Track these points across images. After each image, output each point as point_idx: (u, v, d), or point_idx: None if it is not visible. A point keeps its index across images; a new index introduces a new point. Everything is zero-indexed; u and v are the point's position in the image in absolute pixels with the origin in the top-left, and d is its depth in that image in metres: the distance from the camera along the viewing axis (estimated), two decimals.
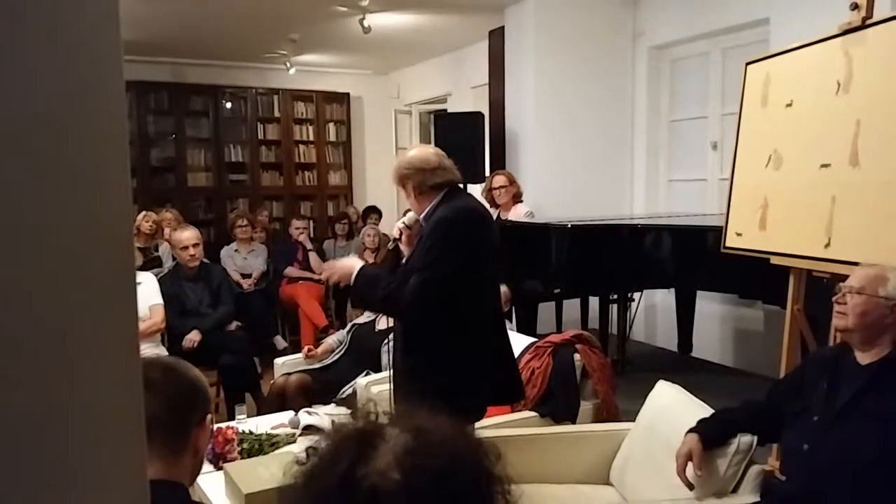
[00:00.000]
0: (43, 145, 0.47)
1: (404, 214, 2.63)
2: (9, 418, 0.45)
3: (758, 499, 2.04)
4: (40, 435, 0.47)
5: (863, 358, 1.97)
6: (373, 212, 7.00)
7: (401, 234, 2.48)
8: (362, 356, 3.61)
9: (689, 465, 2.05)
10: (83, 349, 0.50)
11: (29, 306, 0.47)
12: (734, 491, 2.08)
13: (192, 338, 3.92)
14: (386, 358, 3.56)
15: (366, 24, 5.52)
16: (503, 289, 3.61)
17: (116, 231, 0.52)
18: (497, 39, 5.85)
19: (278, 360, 3.96)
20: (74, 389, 0.49)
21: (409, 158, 2.36)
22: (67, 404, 0.49)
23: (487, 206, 4.98)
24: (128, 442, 0.53)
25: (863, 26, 2.61)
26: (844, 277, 2.11)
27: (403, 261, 2.46)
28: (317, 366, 3.75)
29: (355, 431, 0.71)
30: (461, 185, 2.44)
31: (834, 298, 2.05)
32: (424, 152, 2.39)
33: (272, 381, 3.67)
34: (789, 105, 2.96)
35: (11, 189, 0.45)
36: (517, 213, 4.79)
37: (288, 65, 7.10)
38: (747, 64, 3.29)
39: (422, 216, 2.35)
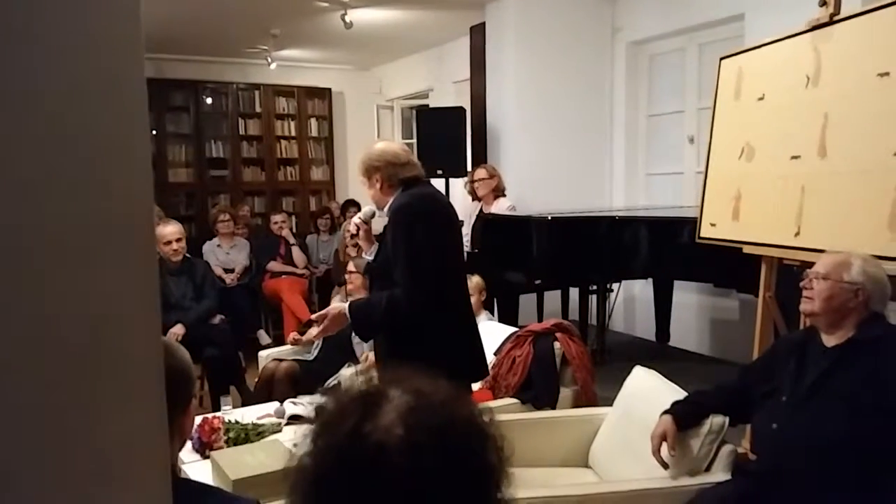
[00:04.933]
0: (65, 135, 0.50)
1: (352, 206, 2.68)
2: (33, 402, 0.48)
3: (729, 477, 2.12)
4: (66, 416, 0.50)
5: (828, 340, 2.05)
6: (352, 205, 6.99)
7: (358, 229, 2.50)
8: (338, 346, 3.62)
9: (664, 445, 2.13)
10: (112, 324, 0.53)
11: (56, 291, 0.49)
12: (707, 470, 2.16)
13: (176, 331, 3.94)
14: (358, 348, 3.60)
15: (347, 19, 5.54)
16: (476, 279, 3.68)
17: (138, 216, 0.55)
18: (478, 35, 5.89)
19: (262, 353, 3.98)
20: (99, 370, 0.52)
21: (379, 151, 2.40)
22: (93, 384, 0.52)
23: (469, 199, 5.05)
24: (151, 419, 0.57)
25: (830, 22, 2.70)
26: (813, 265, 2.19)
27: (371, 257, 2.51)
28: (301, 358, 3.78)
29: (360, 393, 0.77)
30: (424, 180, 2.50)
31: (801, 284, 2.13)
32: (393, 147, 2.45)
33: (263, 367, 3.71)
34: (761, 98, 3.05)
35: (44, 179, 0.48)
36: (499, 208, 4.85)
37: (269, 60, 7.09)
38: (721, 59, 3.37)
39: (385, 209, 2.41)
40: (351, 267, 3.84)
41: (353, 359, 3.63)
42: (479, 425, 0.77)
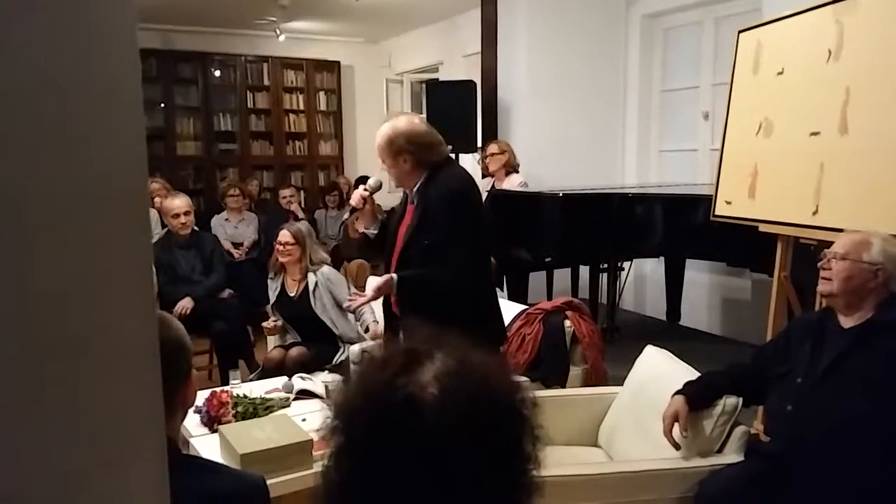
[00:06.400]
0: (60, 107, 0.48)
1: (363, 182, 2.66)
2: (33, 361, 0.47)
3: (742, 458, 2.10)
4: (62, 380, 0.49)
5: (846, 322, 2.02)
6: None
7: (364, 202, 2.46)
8: (306, 325, 3.52)
9: (676, 425, 2.10)
10: (105, 297, 0.51)
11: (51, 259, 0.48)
12: (719, 451, 2.13)
13: (185, 304, 3.93)
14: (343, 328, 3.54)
15: None
16: None
17: (131, 181, 0.53)
18: (490, 7, 5.78)
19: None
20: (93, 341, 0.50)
21: (407, 133, 2.31)
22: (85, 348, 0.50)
23: (481, 174, 5.00)
24: (144, 386, 0.54)
25: None
26: (831, 244, 2.14)
27: (375, 231, 2.48)
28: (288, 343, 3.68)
29: (407, 349, 0.79)
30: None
31: (819, 264, 2.09)
32: (419, 126, 2.36)
33: (266, 356, 3.61)
34: (780, 73, 2.97)
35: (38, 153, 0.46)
36: (511, 184, 4.79)
37: (278, 32, 7.00)
38: (739, 32, 3.29)
39: (414, 189, 2.36)
40: (287, 238, 3.46)
41: (332, 336, 3.55)
42: (515, 407, 0.77)
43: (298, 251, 3.47)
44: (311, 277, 3.48)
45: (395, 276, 2.33)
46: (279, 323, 3.57)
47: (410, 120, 2.40)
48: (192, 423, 2.60)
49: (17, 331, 0.46)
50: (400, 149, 2.31)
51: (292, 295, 3.55)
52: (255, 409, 2.68)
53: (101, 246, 0.51)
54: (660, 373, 2.43)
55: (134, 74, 0.53)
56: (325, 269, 3.51)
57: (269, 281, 3.69)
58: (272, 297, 3.65)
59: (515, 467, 0.75)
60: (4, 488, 0.46)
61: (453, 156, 5.17)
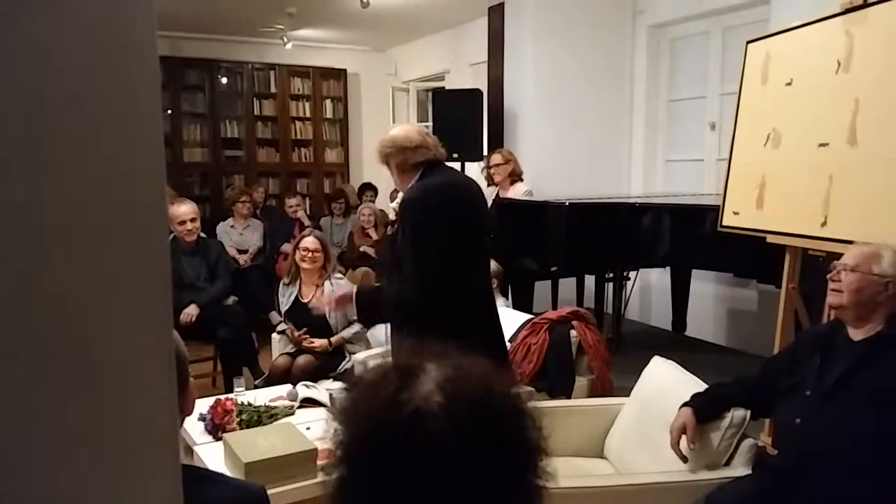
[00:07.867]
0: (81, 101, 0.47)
1: (392, 196, 2.68)
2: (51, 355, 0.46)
3: (750, 472, 2.08)
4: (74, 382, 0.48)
5: (855, 334, 2.00)
6: (368, 189, 6.99)
7: (396, 215, 2.51)
8: (316, 334, 3.54)
9: (683, 438, 2.08)
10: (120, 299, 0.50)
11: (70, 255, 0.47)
12: (727, 464, 2.12)
13: (190, 312, 3.93)
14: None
15: None
16: (493, 265, 3.62)
17: (149, 184, 0.53)
18: (497, 16, 5.80)
19: (275, 336, 3.95)
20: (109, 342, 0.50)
21: (391, 137, 2.37)
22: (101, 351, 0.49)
23: (486, 184, 5.00)
24: (158, 385, 0.54)
25: (864, 5, 2.61)
26: (840, 256, 2.12)
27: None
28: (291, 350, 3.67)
29: (397, 365, 0.77)
30: (444, 162, 2.44)
31: (829, 276, 2.07)
32: (407, 131, 2.40)
33: (273, 363, 3.59)
34: (789, 84, 2.97)
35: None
36: (516, 192, 4.78)
37: (285, 39, 7.03)
38: (748, 42, 3.28)
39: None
40: (315, 245, 3.53)
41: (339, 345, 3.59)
42: (517, 402, 0.77)
43: (322, 258, 3.54)
44: (328, 286, 3.51)
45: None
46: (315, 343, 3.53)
47: (404, 127, 2.46)
48: (196, 431, 2.60)
49: (33, 340, 0.46)
50: (384, 153, 2.38)
51: (306, 301, 3.57)
52: (259, 418, 2.67)
53: (120, 252, 0.50)
54: (667, 384, 2.41)
55: (154, 84, 0.53)
56: (343, 280, 3.58)
57: (281, 288, 3.70)
58: (285, 304, 3.65)
59: (527, 462, 0.74)
60: (24, 498, 0.45)
61: (458, 165, 5.20)
